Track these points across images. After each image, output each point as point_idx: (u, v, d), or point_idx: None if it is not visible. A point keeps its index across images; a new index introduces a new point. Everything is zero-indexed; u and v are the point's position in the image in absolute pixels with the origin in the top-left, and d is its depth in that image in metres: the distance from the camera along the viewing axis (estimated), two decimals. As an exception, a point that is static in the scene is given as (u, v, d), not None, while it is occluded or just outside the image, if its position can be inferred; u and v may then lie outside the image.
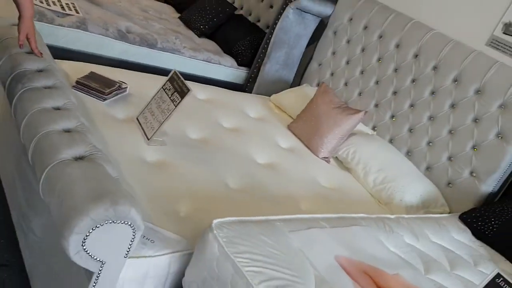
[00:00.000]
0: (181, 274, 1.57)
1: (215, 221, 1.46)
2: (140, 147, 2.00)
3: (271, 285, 1.29)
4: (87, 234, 1.23)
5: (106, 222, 1.24)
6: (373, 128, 2.98)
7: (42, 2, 2.79)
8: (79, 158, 1.42)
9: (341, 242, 1.64)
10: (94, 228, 1.23)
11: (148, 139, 2.04)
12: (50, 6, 2.80)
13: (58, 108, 1.65)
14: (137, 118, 2.18)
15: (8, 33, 2.01)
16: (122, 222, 1.27)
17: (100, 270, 1.33)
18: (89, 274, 1.35)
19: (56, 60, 2.39)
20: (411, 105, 2.81)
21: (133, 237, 1.32)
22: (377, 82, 3.01)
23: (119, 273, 1.39)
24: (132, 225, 1.30)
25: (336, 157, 2.75)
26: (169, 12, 3.96)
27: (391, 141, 2.88)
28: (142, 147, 2.02)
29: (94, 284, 1.35)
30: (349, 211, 2.24)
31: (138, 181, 1.78)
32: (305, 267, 1.44)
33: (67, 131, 1.53)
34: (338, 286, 1.41)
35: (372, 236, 1.78)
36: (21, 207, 1.87)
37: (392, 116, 2.90)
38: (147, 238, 1.55)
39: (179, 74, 2.12)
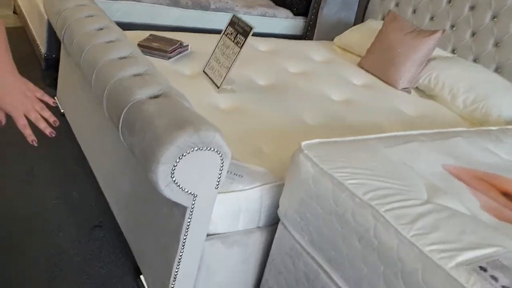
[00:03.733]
0: (274, 208, 1.47)
1: (303, 143, 1.34)
2: (211, 96, 1.93)
3: (378, 194, 1.16)
4: (175, 164, 1.16)
5: (192, 149, 1.16)
6: (453, 52, 2.73)
7: (92, -18, 2.79)
8: (154, 97, 1.36)
9: (445, 153, 1.48)
10: (181, 157, 1.16)
11: (218, 87, 1.97)
12: (100, -16, 2.79)
13: (124, 57, 1.60)
14: (203, 71, 2.11)
15: (65, 3, 2.00)
16: (209, 148, 1.19)
17: (193, 205, 1.26)
18: (182, 211, 1.29)
19: (114, 31, 2.39)
20: (493, 17, 2.52)
21: (221, 165, 1.24)
22: (449, 1, 2.74)
23: (212, 207, 1.32)
24: (219, 152, 1.21)
25: (417, 87, 2.53)
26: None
27: (475, 61, 2.62)
28: (213, 96, 1.94)
29: (189, 221, 1.29)
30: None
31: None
32: (411, 176, 1.29)
33: (137, 75, 1.47)
34: (452, 192, 1.25)
35: (479, 145, 1.59)
36: (106, 170, 1.87)
37: (473, 34, 2.63)
38: (234, 174, 1.47)
39: (238, 16, 2.02)
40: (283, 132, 1.79)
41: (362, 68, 2.67)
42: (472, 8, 2.63)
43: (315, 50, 2.84)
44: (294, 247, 1.34)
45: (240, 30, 1.97)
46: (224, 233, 1.43)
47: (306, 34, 3.30)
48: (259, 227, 1.50)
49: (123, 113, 1.33)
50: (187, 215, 1.28)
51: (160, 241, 1.43)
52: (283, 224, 1.40)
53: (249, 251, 1.48)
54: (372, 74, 2.61)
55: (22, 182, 1.93)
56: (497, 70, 2.52)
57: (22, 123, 0.95)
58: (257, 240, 1.48)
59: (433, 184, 1.27)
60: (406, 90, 2.50)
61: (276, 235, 1.43)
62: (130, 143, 1.30)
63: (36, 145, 0.98)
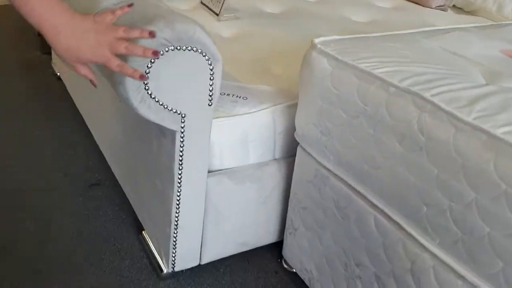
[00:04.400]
0: (292, 134, 1.19)
1: (316, 40, 1.05)
2: (211, 27, 1.65)
3: (420, 80, 0.86)
4: (146, 70, 0.89)
5: (166, 48, 0.89)
6: (493, -42, 2.34)
7: None
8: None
9: (502, 39, 1.15)
10: (152, 60, 0.89)
11: (218, 15, 1.69)
12: None
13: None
14: (201, 2, 1.83)
15: None
16: (189, 48, 0.91)
17: (182, 128, 1.00)
18: (171, 139, 1.03)
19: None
20: None
21: (211, 71, 0.97)
22: None
23: (208, 130, 1.05)
24: (204, 53, 0.94)
25: (454, 5, 2.17)
26: None
27: (520, -36, 2.22)
28: (214, 25, 1.66)
29: (181, 149, 1.02)
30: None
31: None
32: (460, 62, 0.98)
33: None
34: (520, 74, 0.93)
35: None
36: (103, 126, 1.64)
37: None
38: (237, 96, 1.19)
39: None
40: (296, 53, 1.49)
41: (387, -10, 2.32)
42: None
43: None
44: (318, 173, 1.06)
45: None
46: (232, 167, 1.16)
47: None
48: (275, 159, 1.22)
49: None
50: (177, 142, 1.02)
51: (156, 186, 1.18)
52: (303, 148, 1.11)
53: (265, 187, 1.21)
54: (401, -5, 2.26)
55: (16, 144, 1.72)
56: (550, -31, 2.12)
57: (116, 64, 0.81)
58: (275, 174, 1.21)
59: (491, 69, 0.95)
60: (441, 8, 2.14)
61: (296, 163, 1.15)
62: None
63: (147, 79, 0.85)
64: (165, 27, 0.89)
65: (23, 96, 2.08)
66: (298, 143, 1.13)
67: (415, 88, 0.83)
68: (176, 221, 1.12)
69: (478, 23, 1.33)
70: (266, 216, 1.25)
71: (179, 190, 1.08)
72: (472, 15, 2.11)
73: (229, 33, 1.64)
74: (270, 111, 1.17)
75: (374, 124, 0.88)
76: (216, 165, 1.14)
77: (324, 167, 1.04)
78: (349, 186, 0.98)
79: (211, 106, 1.01)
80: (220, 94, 1.10)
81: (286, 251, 1.26)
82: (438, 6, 2.14)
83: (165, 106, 0.95)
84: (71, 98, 1.99)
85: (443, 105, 0.78)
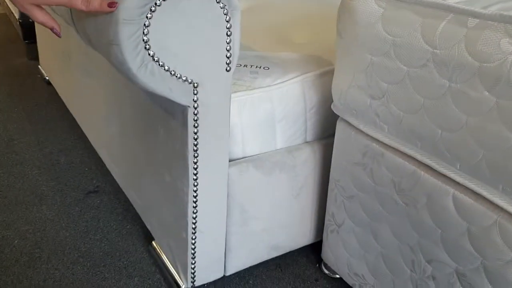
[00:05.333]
0: (327, 109, 0.98)
1: (354, -16, 0.84)
2: None
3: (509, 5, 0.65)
4: (146, 22, 0.68)
5: (168, -6, 0.68)
6: None
7: None
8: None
9: None
10: (153, 8, 0.67)
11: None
12: None
13: None
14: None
15: None
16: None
17: (195, 102, 0.78)
18: (183, 120, 0.81)
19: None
20: None
21: (227, 23, 0.75)
22: None
23: (228, 104, 0.83)
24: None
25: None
26: None
27: None
28: None
29: (195, 131, 0.81)
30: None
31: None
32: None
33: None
34: None
35: None
36: (94, 125, 1.43)
37: None
38: (257, 66, 0.98)
39: None
40: (316, 18, 1.30)
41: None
42: None
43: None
44: (368, 149, 0.84)
45: None
46: (257, 155, 0.95)
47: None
48: (307, 142, 1.01)
49: None
50: (190, 122, 0.80)
51: (166, 182, 0.96)
52: (345, 121, 0.90)
53: (298, 177, 0.99)
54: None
55: (1, 152, 1.51)
56: None
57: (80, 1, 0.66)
58: (308, 160, 0.99)
59: None
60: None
61: (336, 143, 0.93)
62: (80, 20, 0.83)
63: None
64: (164, -36, 0.68)
65: (9, 101, 1.87)
66: (337, 119, 0.92)
67: (509, 13, 0.61)
68: (194, 224, 0.90)
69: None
70: (300, 212, 1.03)
71: (196, 184, 0.86)
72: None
73: (241, 6, 1.44)
74: (299, 82, 0.96)
75: (450, 71, 0.66)
76: (238, 153, 0.93)
77: (377, 140, 0.82)
78: (415, 161, 0.76)
79: (230, 71, 0.80)
80: (236, 66, 0.89)
81: (327, 254, 1.03)
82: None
83: (172, 72, 0.74)
84: (62, 101, 1.79)
85: (557, 29, 0.56)
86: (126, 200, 1.26)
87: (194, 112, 0.80)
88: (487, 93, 0.62)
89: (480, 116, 0.64)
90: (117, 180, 1.31)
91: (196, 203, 0.88)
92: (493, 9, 0.64)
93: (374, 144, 0.83)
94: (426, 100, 0.71)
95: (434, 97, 0.69)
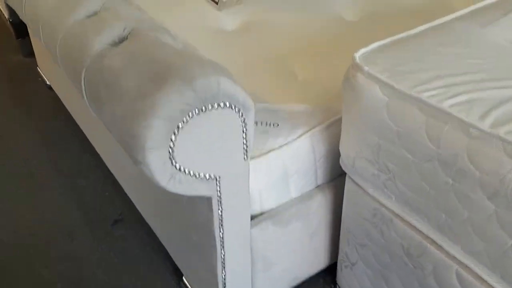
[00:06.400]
0: (334, 155, 1.04)
1: (358, 55, 0.87)
2: (212, 18, 1.44)
3: (507, 113, 0.70)
4: (171, 146, 0.73)
5: (190, 114, 0.72)
6: None
7: None
8: (120, 42, 0.90)
9: None
10: (176, 132, 0.72)
11: (217, 3, 1.47)
12: None
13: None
14: (195, -11, 1.60)
15: None
16: (216, 106, 0.75)
17: (218, 192, 0.85)
18: (207, 201, 0.88)
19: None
20: None
21: (243, 123, 0.80)
22: None
23: (247, 184, 0.90)
24: (232, 105, 0.77)
25: None
26: None
27: None
28: (215, 16, 1.45)
29: (219, 213, 0.88)
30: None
31: (227, 55, 1.25)
32: (541, 67, 0.80)
33: (92, 15, 1.01)
34: None
35: None
36: (108, 148, 1.48)
37: None
38: (267, 124, 1.03)
39: None
40: (318, 39, 1.31)
41: None
42: None
43: None
44: (377, 212, 0.92)
45: None
46: (274, 208, 1.03)
47: None
48: (318, 186, 1.08)
49: (82, 77, 0.90)
50: (215, 206, 0.87)
51: (192, 239, 1.04)
52: (353, 180, 0.96)
53: (312, 221, 1.08)
54: None
55: (13, 178, 1.57)
56: None
57: None
58: (321, 204, 1.07)
59: None
60: None
61: (346, 196, 1.01)
62: (102, 121, 0.87)
63: None
64: (186, 89, 0.72)
65: (12, 115, 1.89)
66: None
67: (505, 130, 0.67)
68: (224, 279, 1.00)
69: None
70: (315, 249, 1.13)
71: (222, 250, 0.95)
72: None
73: (234, 24, 1.44)
74: (308, 137, 1.01)
75: (453, 173, 0.73)
76: (256, 210, 1.01)
77: (385, 207, 0.90)
78: (422, 234, 0.84)
79: (247, 159, 0.86)
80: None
81: (342, 282, 1.14)
82: None
83: (197, 175, 0.80)
84: (68, 112, 1.82)
85: (550, 158, 0.62)
86: (151, 230, 1.34)
87: (218, 199, 0.87)
88: (487, 200, 0.69)
89: (481, 216, 0.71)
90: (139, 209, 1.39)
91: (224, 263, 0.98)
92: (491, 120, 0.69)
93: (383, 209, 0.91)
94: (431, 189, 0.78)
95: (439, 189, 0.76)
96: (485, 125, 0.69)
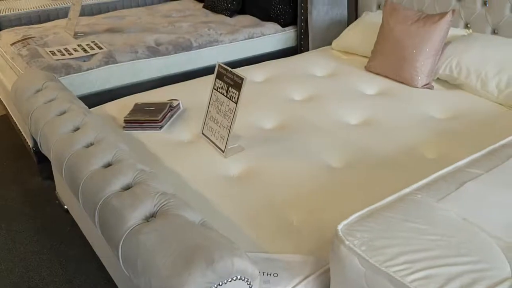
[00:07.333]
0: (325, 299, 1.24)
1: (340, 227, 1.10)
2: (218, 164, 1.69)
3: (454, 286, 0.92)
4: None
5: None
6: (466, 26, 2.44)
7: (64, 54, 2.58)
8: (151, 217, 1.13)
9: (509, 186, 1.21)
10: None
11: (223, 151, 1.73)
12: (72, 54, 2.58)
13: (109, 164, 1.37)
14: (202, 133, 1.87)
15: (33, 102, 1.79)
16: (230, 280, 0.96)
17: None
18: None
19: (97, 107, 2.17)
20: (504, -21, 2.22)
21: (250, 286, 1.01)
22: (449, -28, 2.45)
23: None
24: (243, 278, 0.98)
25: (438, 78, 2.25)
26: (192, 6, 3.63)
27: (494, 32, 2.32)
28: (221, 162, 1.70)
29: None
30: (486, 136, 1.78)
31: (231, 202, 1.48)
32: (482, 241, 1.03)
33: (127, 188, 1.24)
34: (541, 251, 1.00)
35: (543, 159, 1.32)
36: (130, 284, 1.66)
37: (484, 2, 2.33)
38: (268, 274, 1.23)
39: (224, 66, 1.78)
40: (309, 188, 1.54)
41: (371, 71, 2.40)
42: (476, -26, 2.34)
43: (314, 63, 2.58)
44: None
45: (230, 83, 1.73)
46: None
47: (301, 44, 3.03)
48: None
49: (120, 247, 1.11)
50: None
51: None
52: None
53: None
54: (385, 76, 2.34)
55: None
56: (523, 37, 2.23)
57: None
58: None
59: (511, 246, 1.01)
60: (427, 86, 2.22)
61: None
62: (138, 284, 1.07)
63: None
64: (207, 270, 0.93)
65: (37, 240, 2.07)
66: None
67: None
68: None
69: (478, 154, 1.38)
70: None
71: None
72: (459, 89, 2.19)
73: (237, 170, 1.68)
74: (303, 286, 1.21)
75: (418, 335, 0.93)
76: None
77: None
78: None
79: (253, 309, 1.05)
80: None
81: None
82: (424, 85, 2.22)
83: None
84: (84, 236, 2.01)
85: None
86: None
87: None
88: None
89: None
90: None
91: None
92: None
93: None
94: None
95: None
96: (438, 300, 0.90)
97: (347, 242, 1.06)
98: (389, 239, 1.05)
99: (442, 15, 2.17)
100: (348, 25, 2.99)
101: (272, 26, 3.03)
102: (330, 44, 2.87)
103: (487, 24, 2.34)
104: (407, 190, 1.23)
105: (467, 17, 2.42)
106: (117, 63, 2.54)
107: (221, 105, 1.77)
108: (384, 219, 1.12)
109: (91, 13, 3.68)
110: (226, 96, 1.74)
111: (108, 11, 3.71)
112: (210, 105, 1.84)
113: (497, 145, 1.43)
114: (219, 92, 1.79)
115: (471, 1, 2.37)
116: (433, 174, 1.32)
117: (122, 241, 1.10)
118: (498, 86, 2.03)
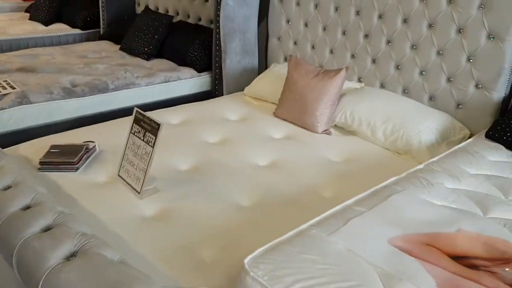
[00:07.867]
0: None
1: (246, 261, 1.25)
2: (134, 205, 1.79)
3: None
4: None
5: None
6: (359, 80, 2.79)
7: (-27, 93, 2.54)
8: (71, 256, 1.20)
9: (387, 222, 1.45)
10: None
11: (139, 193, 1.83)
12: (-18, 93, 2.55)
13: (28, 207, 1.42)
14: (119, 175, 1.95)
15: None
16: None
17: None
18: None
19: (11, 147, 2.17)
20: (388, 41, 2.61)
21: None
22: (344, 33, 2.80)
23: None
24: (159, 310, 1.09)
25: (335, 125, 2.54)
26: (108, 47, 3.71)
27: (382, 86, 2.69)
28: (136, 203, 1.80)
29: None
30: (375, 177, 2.06)
31: (147, 241, 1.58)
32: (363, 268, 1.24)
33: (47, 229, 1.31)
34: (408, 274, 1.22)
35: (414, 198, 1.59)
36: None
37: (373, 60, 2.70)
38: (181, 307, 1.35)
39: (142, 112, 1.90)
40: (220, 226, 1.69)
41: (278, 117, 2.65)
42: (366, 36, 2.70)
43: (228, 107, 2.78)
44: None
45: (147, 128, 1.85)
46: None
47: (216, 89, 3.23)
48: None
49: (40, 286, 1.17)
50: None
51: None
52: None
53: None
54: (290, 122, 2.59)
55: None
56: (404, 91, 2.60)
57: None
58: None
59: (387, 272, 1.23)
60: (326, 132, 2.50)
61: None
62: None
63: None
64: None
65: None
66: None
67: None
68: None
69: (363, 195, 1.62)
70: None
71: None
72: (353, 135, 2.49)
73: (152, 210, 1.78)
74: (213, 316, 1.34)
75: None
76: None
77: None
78: None
79: None
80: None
81: None
82: (323, 131, 2.50)
83: None
84: None
85: None
86: None
87: None
88: None
89: None
90: None
91: None
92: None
93: None
94: None
95: None
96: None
97: (251, 274, 1.21)
98: (287, 269, 1.22)
99: (338, 71, 2.48)
100: (259, 73, 3.25)
101: (188, 71, 3.21)
102: (242, 90, 3.10)
103: (376, 79, 2.70)
104: (304, 226, 1.42)
105: (360, 72, 2.77)
106: (31, 103, 2.55)
107: (138, 148, 1.88)
108: (284, 251, 1.30)
109: (1, 50, 3.62)
110: (143, 140, 1.86)
111: (20, 49, 3.67)
112: (127, 148, 1.94)
113: (379, 186, 1.69)
114: (136, 136, 1.90)
115: (362, 58, 2.73)
116: (327, 211, 1.53)
117: (42, 280, 1.16)
118: (385, 133, 2.35)
